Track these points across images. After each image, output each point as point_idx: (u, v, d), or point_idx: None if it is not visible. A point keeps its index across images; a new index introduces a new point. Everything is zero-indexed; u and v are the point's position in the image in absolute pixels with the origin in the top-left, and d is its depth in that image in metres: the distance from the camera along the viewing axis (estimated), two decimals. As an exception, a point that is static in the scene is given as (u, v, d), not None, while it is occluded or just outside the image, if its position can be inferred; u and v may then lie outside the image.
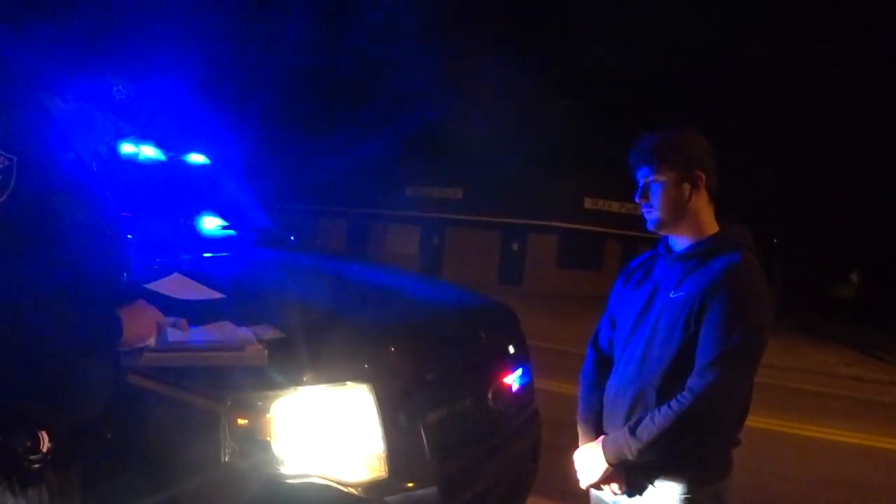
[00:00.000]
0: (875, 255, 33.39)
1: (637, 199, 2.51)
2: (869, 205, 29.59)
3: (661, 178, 2.44)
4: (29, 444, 1.87)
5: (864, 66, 29.28)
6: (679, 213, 2.45)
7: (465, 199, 30.20)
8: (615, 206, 29.20)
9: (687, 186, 2.43)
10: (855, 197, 28.85)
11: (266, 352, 2.35)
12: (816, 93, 28.56)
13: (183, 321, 2.26)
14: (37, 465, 1.89)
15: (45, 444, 1.89)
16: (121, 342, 2.01)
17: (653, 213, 2.48)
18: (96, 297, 1.91)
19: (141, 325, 2.07)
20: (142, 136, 2.24)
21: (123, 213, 2.22)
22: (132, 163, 3.70)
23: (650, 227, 2.52)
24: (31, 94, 2.02)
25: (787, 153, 28.50)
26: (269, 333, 2.52)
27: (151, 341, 2.11)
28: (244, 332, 2.42)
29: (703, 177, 2.44)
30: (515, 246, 30.21)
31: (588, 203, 29.65)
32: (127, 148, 2.19)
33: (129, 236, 2.37)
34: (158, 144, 3.99)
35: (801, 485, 6.46)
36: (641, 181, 2.49)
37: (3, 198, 1.78)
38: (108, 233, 2.04)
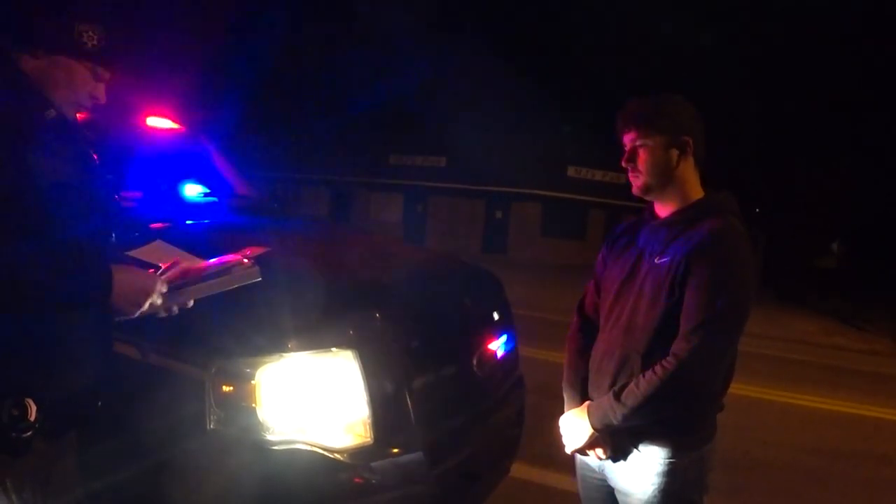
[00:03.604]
0: (856, 226, 33.56)
1: (623, 164, 2.49)
2: (851, 176, 29.68)
3: (649, 142, 2.42)
4: (16, 413, 1.84)
5: (846, 38, 29.26)
6: (666, 178, 2.44)
7: (449, 167, 30.06)
8: (598, 175, 29.20)
9: (675, 152, 2.42)
10: (837, 168, 28.93)
11: (257, 268, 2.26)
12: (799, 64, 28.56)
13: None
14: (26, 435, 1.86)
15: (33, 412, 1.86)
16: (111, 301, 1.92)
17: (639, 177, 2.46)
18: (83, 256, 1.87)
19: (133, 290, 1.98)
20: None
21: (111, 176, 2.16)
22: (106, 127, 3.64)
23: (636, 191, 2.50)
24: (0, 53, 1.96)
25: (771, 124, 28.55)
26: (255, 251, 2.42)
27: (146, 307, 2.02)
28: (229, 257, 2.33)
29: (691, 142, 2.43)
30: (499, 214, 30.19)
31: (571, 171, 29.62)
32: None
33: (116, 198, 2.32)
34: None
35: (782, 451, 6.53)
36: (628, 145, 2.47)
37: None
38: (91, 194, 1.99)
